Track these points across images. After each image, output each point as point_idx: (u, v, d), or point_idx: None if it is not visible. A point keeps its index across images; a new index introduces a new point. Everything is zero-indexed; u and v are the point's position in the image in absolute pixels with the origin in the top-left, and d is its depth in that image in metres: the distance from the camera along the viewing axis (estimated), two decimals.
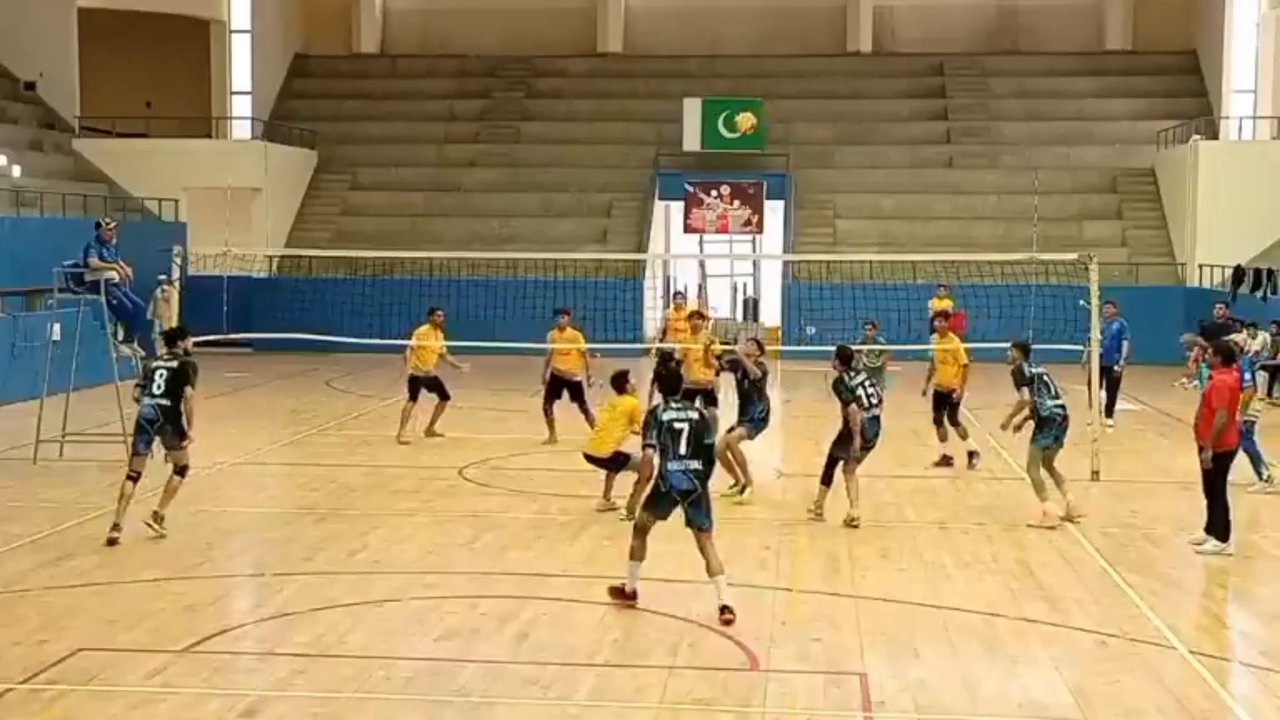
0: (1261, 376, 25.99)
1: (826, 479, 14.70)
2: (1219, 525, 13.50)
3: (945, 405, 18.55)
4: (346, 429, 21.23)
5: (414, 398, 19.67)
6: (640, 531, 11.08)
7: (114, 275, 18.69)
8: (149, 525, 13.39)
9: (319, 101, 42.56)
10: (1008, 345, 15.55)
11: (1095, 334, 18.07)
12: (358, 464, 17.93)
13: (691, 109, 37.67)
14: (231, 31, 41.51)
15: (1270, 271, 29.51)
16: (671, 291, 27.73)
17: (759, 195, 36.66)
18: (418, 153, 40.55)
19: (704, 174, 37.12)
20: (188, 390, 13.38)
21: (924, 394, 18.85)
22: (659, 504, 10.99)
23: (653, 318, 36.07)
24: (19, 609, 11.07)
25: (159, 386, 13.40)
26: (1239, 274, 30.69)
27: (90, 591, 11.65)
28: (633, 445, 13.49)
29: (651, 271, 36.11)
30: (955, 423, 18.59)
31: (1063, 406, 14.77)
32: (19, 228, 27.27)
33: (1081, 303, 20.28)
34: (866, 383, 14.35)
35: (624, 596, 11.18)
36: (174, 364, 13.49)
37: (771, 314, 36.68)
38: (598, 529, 14.22)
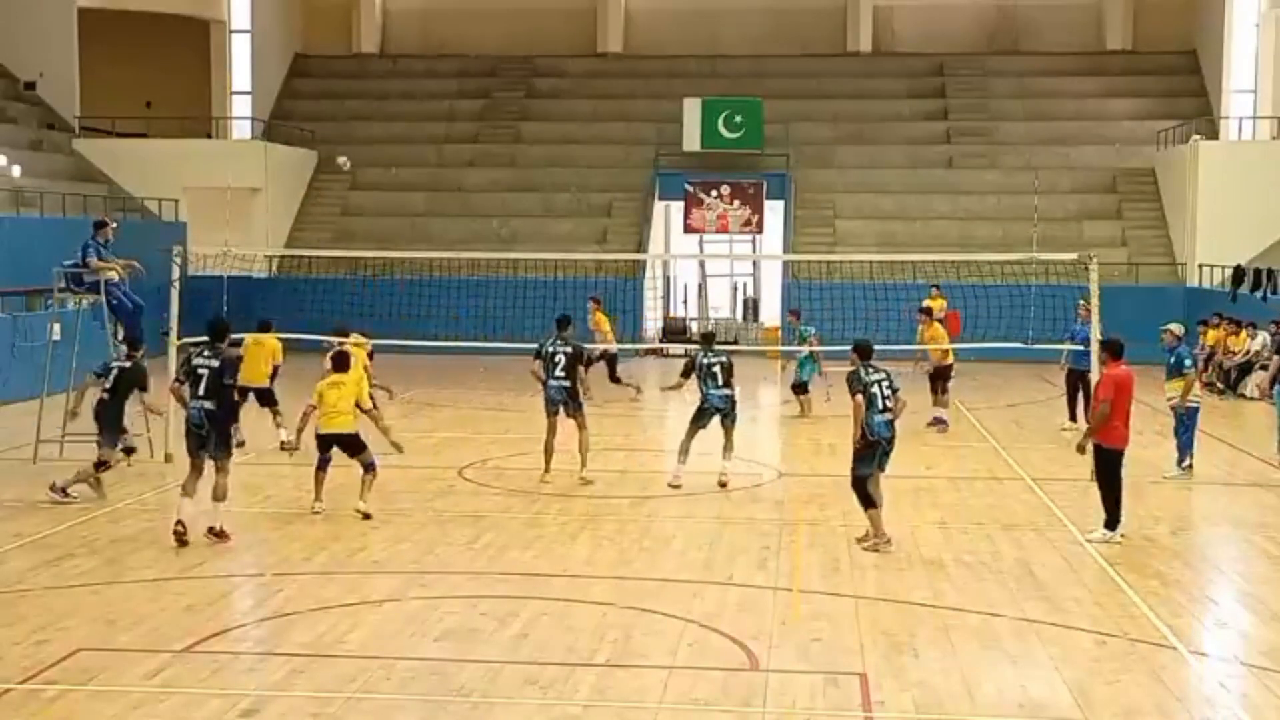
0: (1262, 376, 26.07)
1: (866, 502, 13.30)
2: (1108, 512, 13.77)
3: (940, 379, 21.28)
4: None
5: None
6: (194, 469, 13.35)
7: (114, 275, 18.69)
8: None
9: (319, 101, 42.56)
10: (1007, 345, 15.71)
11: (1096, 334, 18.04)
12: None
13: (691, 109, 37.66)
14: (231, 31, 41.54)
15: (1270, 271, 29.51)
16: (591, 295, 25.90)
17: (759, 195, 36.65)
18: (418, 153, 40.55)
19: (704, 174, 37.10)
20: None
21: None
22: (189, 439, 13.38)
23: (653, 318, 36.13)
24: (19, 609, 11.07)
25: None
26: (1239, 274, 30.69)
27: (90, 591, 11.65)
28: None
29: (651, 271, 36.11)
30: (945, 390, 21.34)
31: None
32: (19, 228, 27.27)
33: (1081, 301, 20.32)
34: (884, 383, 13.30)
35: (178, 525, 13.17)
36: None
37: (771, 314, 36.66)
38: (597, 529, 14.21)
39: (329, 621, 10.79)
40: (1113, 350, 14.02)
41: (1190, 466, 17.48)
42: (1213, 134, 36.46)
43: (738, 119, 37.49)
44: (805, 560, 13.04)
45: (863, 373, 13.25)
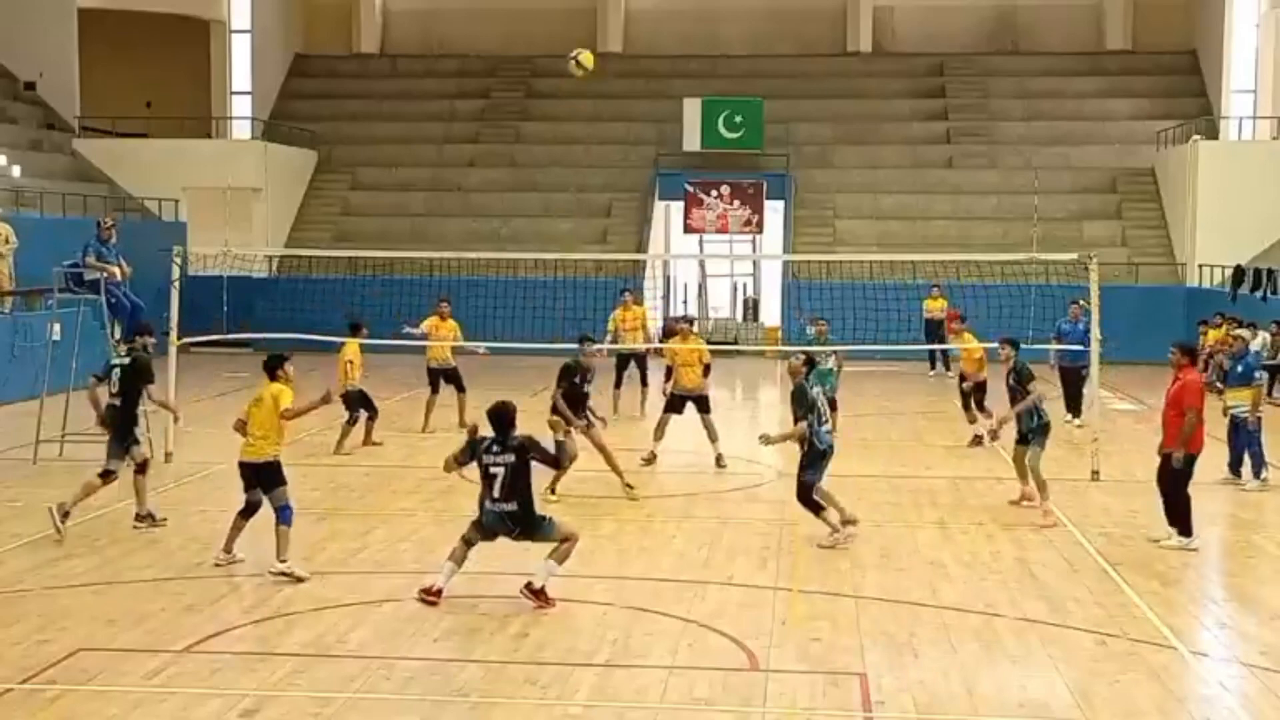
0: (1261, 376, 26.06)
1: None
2: (1183, 521, 13.64)
3: (973, 392, 19.93)
4: None
5: (435, 390, 20.54)
6: (465, 542, 11.37)
7: (116, 274, 18.73)
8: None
9: (319, 101, 42.56)
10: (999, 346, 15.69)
11: (1096, 333, 18.07)
12: (358, 464, 17.92)
13: (691, 109, 37.68)
14: (231, 31, 41.56)
15: (1270, 271, 29.50)
16: (621, 290, 23.39)
17: (759, 195, 36.66)
18: (418, 153, 40.56)
19: (704, 174, 37.12)
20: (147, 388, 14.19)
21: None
22: (481, 532, 11.37)
23: (653, 318, 36.07)
24: (19, 609, 11.07)
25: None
26: (1239, 274, 30.69)
27: (90, 591, 11.65)
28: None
29: (651, 271, 36.08)
30: (981, 406, 19.91)
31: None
32: (19, 228, 27.23)
33: (1081, 302, 20.31)
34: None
35: (432, 594, 11.18)
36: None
37: (771, 314, 36.67)
38: (597, 529, 14.19)
39: (329, 621, 10.79)
40: (1190, 354, 14.04)
41: (1266, 479, 16.80)
42: (1213, 134, 36.45)
43: (738, 119, 37.51)
44: (805, 560, 13.04)
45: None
